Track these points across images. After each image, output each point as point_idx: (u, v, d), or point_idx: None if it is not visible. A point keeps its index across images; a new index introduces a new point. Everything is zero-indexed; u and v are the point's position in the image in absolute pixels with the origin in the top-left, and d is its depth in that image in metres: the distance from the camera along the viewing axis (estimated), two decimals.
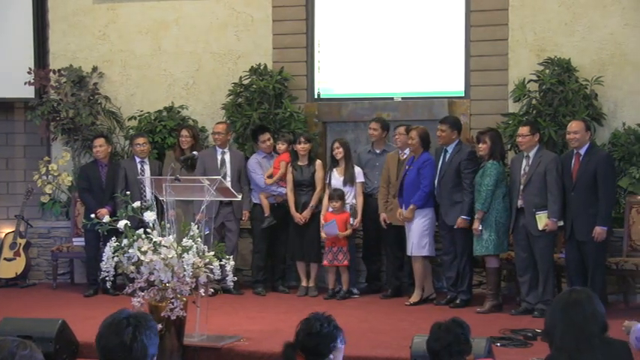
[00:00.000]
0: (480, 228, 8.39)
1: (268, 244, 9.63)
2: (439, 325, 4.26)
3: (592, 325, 3.88)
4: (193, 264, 6.53)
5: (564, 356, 3.85)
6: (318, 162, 9.54)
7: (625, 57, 9.36)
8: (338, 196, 9.14)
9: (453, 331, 4.22)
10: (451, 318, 4.35)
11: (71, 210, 10.45)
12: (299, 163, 9.50)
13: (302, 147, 9.43)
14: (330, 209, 9.21)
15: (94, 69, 10.77)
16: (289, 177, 9.48)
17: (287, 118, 9.99)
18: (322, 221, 9.26)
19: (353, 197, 9.29)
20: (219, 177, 7.72)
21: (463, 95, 9.92)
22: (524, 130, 8.45)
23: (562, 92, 9.14)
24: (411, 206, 8.75)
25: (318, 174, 9.44)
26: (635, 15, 9.32)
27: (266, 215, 9.52)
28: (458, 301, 8.68)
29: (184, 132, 9.81)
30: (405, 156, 9.13)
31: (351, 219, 9.21)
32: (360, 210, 9.28)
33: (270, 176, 9.52)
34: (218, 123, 9.85)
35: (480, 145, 8.54)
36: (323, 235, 9.24)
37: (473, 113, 9.75)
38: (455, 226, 8.59)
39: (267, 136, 9.60)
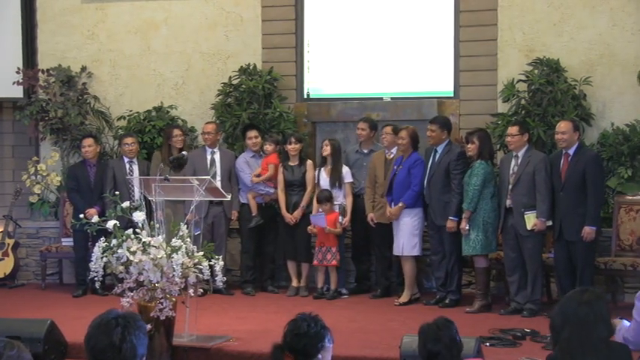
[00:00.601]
0: (468, 228, 8.41)
1: (256, 243, 9.62)
2: (436, 325, 4.21)
3: (601, 327, 3.84)
4: (182, 264, 6.52)
5: (567, 358, 3.80)
6: (309, 162, 9.54)
7: (613, 57, 9.40)
8: (325, 197, 9.14)
9: (450, 329, 4.19)
10: (441, 317, 4.31)
11: (60, 210, 10.42)
12: (290, 164, 9.50)
13: (292, 147, 9.43)
14: (319, 210, 9.21)
15: (83, 69, 10.75)
16: (280, 177, 9.47)
17: (276, 118, 9.98)
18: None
19: (342, 197, 9.29)
20: (209, 177, 7.71)
21: (452, 95, 9.94)
22: (513, 129, 8.47)
23: (551, 92, 9.17)
24: (400, 204, 8.76)
25: (309, 174, 9.44)
26: (623, 15, 9.36)
27: (253, 215, 9.51)
28: (447, 301, 8.69)
29: (177, 131, 9.77)
30: (392, 155, 9.15)
31: (340, 217, 9.22)
32: (349, 210, 9.29)
33: (258, 175, 9.50)
34: (207, 123, 9.84)
35: (469, 146, 8.55)
36: (311, 228, 9.20)
37: (462, 113, 9.77)
38: (446, 229, 8.59)
39: (253, 133, 9.59)
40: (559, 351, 3.85)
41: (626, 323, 4.86)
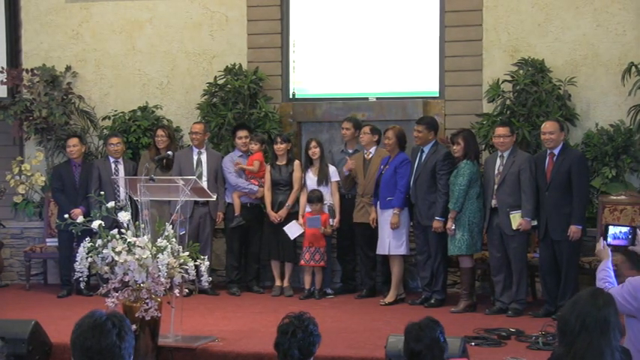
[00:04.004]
0: (453, 227, 8.42)
1: (240, 243, 9.61)
2: (419, 325, 4.21)
3: (617, 334, 3.78)
4: (168, 264, 6.51)
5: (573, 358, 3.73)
6: (297, 162, 9.53)
7: (597, 58, 9.45)
8: (317, 197, 9.14)
9: (433, 330, 4.20)
10: (426, 317, 4.32)
11: (44, 210, 10.37)
12: (277, 163, 9.50)
13: (278, 147, 9.43)
14: (309, 209, 9.21)
15: (68, 68, 10.71)
16: (267, 176, 9.47)
17: (262, 118, 9.98)
18: (301, 221, 9.26)
19: (330, 197, 9.30)
20: (194, 177, 7.69)
21: (438, 95, 9.95)
22: (504, 131, 8.44)
23: (536, 93, 9.20)
24: (395, 211, 8.75)
25: (296, 174, 9.43)
26: (607, 16, 9.41)
27: (235, 215, 9.50)
28: (432, 301, 8.69)
29: (160, 132, 9.75)
30: (370, 155, 9.18)
31: (330, 219, 9.22)
32: (337, 209, 9.29)
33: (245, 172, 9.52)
34: (196, 123, 9.79)
35: (454, 147, 8.56)
36: (300, 225, 9.21)
37: (447, 114, 9.79)
38: (432, 229, 8.59)
39: (244, 133, 9.58)
40: (570, 355, 3.75)
41: (612, 277, 4.89)
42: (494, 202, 8.38)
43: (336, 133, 10.04)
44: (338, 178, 9.35)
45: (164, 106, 10.55)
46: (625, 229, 5.16)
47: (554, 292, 8.20)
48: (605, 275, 4.95)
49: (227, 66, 10.19)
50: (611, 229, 5.17)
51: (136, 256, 6.47)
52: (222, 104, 10.08)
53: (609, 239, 5.14)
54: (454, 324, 7.46)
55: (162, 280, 6.50)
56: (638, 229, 4.97)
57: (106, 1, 10.79)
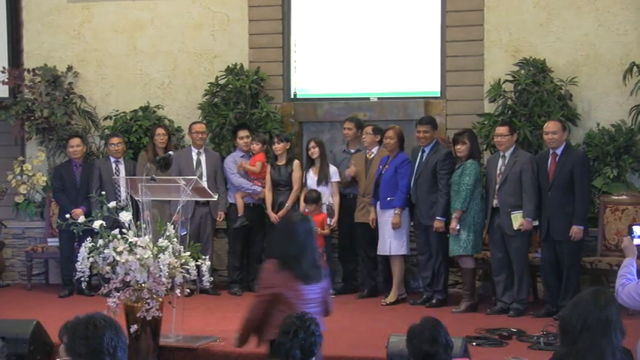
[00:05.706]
0: (458, 228, 8.40)
1: (243, 244, 9.61)
2: (432, 325, 4.17)
3: (619, 335, 3.76)
4: (169, 264, 6.51)
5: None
6: (296, 162, 9.53)
7: (599, 58, 9.44)
8: (313, 198, 9.14)
9: (444, 329, 4.18)
10: (429, 317, 4.29)
11: (46, 210, 10.38)
12: (277, 163, 9.50)
13: (276, 147, 9.43)
14: (307, 210, 9.21)
15: (69, 68, 10.71)
16: (267, 177, 9.48)
17: (263, 118, 9.98)
18: None
19: (329, 196, 9.30)
20: (195, 177, 7.69)
21: (439, 95, 9.95)
22: (503, 130, 8.46)
23: (537, 92, 9.20)
24: (396, 211, 8.76)
25: (296, 174, 9.43)
26: (608, 16, 9.40)
27: (239, 215, 9.50)
28: (434, 301, 8.70)
29: (160, 130, 9.72)
30: (372, 155, 9.18)
31: (328, 219, 9.22)
32: (336, 209, 9.29)
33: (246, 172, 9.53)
34: (197, 123, 9.76)
35: (459, 147, 8.54)
36: None
37: (449, 114, 9.79)
38: (433, 229, 8.59)
39: (245, 133, 9.58)
40: (572, 355, 3.74)
41: (633, 274, 4.87)
42: (495, 202, 8.38)
43: (338, 133, 10.04)
44: (339, 179, 9.35)
45: (165, 106, 10.54)
46: None
47: (556, 292, 8.20)
48: (626, 272, 4.89)
49: (228, 66, 10.19)
50: (637, 229, 5.13)
51: (138, 256, 6.47)
52: (224, 104, 10.08)
53: (637, 240, 5.09)
54: (455, 324, 7.45)
55: (164, 280, 6.50)
56: None
57: (108, 1, 10.79)
